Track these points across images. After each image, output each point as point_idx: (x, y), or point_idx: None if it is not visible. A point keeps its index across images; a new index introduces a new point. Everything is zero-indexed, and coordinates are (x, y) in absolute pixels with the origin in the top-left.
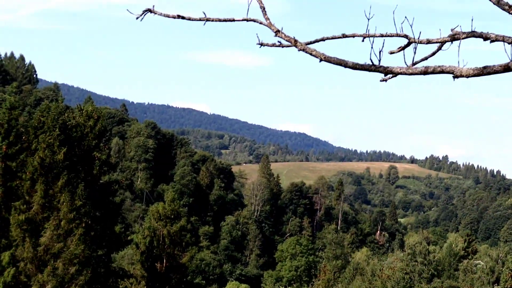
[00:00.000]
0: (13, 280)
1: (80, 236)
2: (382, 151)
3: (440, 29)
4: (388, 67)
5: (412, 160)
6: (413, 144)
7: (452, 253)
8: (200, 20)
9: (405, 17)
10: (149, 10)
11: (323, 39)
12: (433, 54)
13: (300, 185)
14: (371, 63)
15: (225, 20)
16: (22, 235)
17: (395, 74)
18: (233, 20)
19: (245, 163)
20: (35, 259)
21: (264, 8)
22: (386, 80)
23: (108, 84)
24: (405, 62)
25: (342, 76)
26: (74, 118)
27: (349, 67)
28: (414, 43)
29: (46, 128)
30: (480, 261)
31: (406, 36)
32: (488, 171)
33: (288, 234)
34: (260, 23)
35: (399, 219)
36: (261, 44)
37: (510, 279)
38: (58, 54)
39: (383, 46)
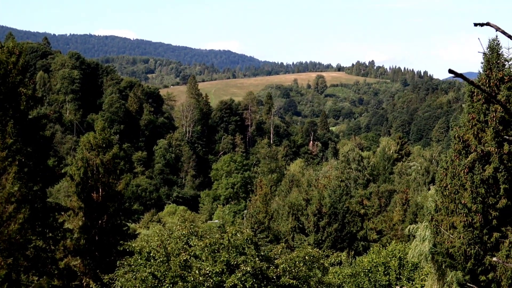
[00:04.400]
0: None
1: (15, 174)
2: (308, 62)
3: None
4: None
5: (339, 68)
6: (339, 52)
7: (385, 157)
8: None
9: None
10: None
11: None
12: None
13: (229, 102)
14: None
15: None
16: None
17: None
18: None
19: (173, 85)
20: None
21: None
22: None
23: (28, 19)
24: None
25: None
26: None
27: None
28: None
29: None
30: (414, 162)
31: None
32: (416, 72)
33: (221, 153)
34: None
35: (330, 128)
36: None
37: (445, 178)
38: None
39: None
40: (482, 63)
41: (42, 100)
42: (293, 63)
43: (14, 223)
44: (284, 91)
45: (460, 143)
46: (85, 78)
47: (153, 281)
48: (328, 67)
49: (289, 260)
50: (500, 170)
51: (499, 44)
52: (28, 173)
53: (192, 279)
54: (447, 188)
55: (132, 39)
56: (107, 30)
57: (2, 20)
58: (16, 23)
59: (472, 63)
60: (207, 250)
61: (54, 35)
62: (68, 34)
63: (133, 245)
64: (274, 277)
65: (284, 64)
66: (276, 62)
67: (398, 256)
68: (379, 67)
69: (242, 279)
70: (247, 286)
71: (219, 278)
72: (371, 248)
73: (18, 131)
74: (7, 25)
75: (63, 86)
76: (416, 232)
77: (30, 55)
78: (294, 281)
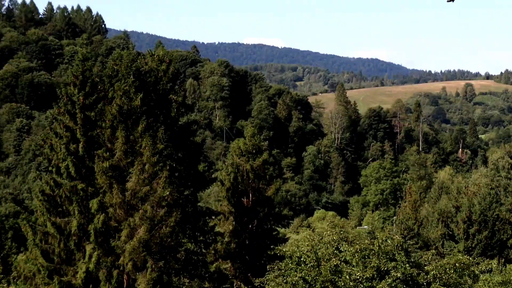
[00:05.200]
0: (104, 226)
1: (166, 179)
2: (456, 70)
3: None
4: None
5: (488, 76)
6: (487, 60)
7: None
8: None
9: None
10: None
11: None
12: None
13: (377, 110)
14: None
15: None
16: (109, 182)
17: None
18: None
19: (321, 93)
20: (124, 204)
21: None
22: (453, 0)
23: (177, 27)
24: None
25: None
26: (147, 63)
27: None
28: None
29: (120, 76)
30: None
31: None
32: None
33: (370, 159)
34: None
35: (479, 136)
36: None
37: None
38: (125, 2)
39: None
40: None
41: (192, 107)
42: (441, 71)
43: (166, 226)
44: (432, 99)
45: None
46: (234, 85)
47: (304, 285)
48: (476, 76)
49: (439, 267)
50: None
51: None
52: (179, 178)
53: (342, 284)
54: None
55: (280, 47)
56: (255, 38)
57: (152, 29)
58: (165, 31)
59: None
60: (357, 255)
61: (203, 43)
62: (216, 43)
63: (284, 249)
64: (424, 283)
65: (432, 72)
66: (424, 70)
67: None
68: None
69: (393, 285)
70: None
71: (370, 284)
72: None
73: (169, 137)
74: (156, 34)
75: (212, 93)
76: None
77: (179, 63)
78: None
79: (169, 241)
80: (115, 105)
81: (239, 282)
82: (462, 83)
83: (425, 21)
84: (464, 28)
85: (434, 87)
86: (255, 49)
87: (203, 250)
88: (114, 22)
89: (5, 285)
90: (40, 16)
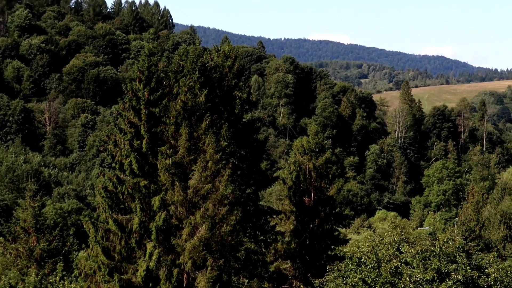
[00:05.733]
0: (165, 223)
1: (228, 177)
2: None
3: None
4: None
5: None
6: None
7: None
8: None
9: None
10: None
11: None
12: None
13: (442, 108)
14: None
15: None
16: (171, 179)
17: None
18: None
19: (386, 90)
20: (185, 201)
21: None
22: None
23: (243, 23)
24: None
25: None
26: (212, 59)
27: None
28: None
29: (185, 71)
30: None
31: None
32: None
33: (433, 159)
34: None
35: None
36: None
37: None
38: None
39: None
40: None
41: (256, 104)
42: (507, 69)
43: (227, 225)
44: (497, 98)
45: None
46: (298, 82)
47: (363, 286)
48: None
49: (501, 270)
50: None
51: None
52: (241, 176)
53: (402, 286)
54: None
55: (345, 44)
56: (321, 34)
57: (218, 24)
58: (232, 27)
59: None
60: (418, 257)
61: (269, 39)
62: (282, 39)
63: (344, 250)
64: (485, 286)
65: (499, 70)
66: (490, 68)
67: None
68: None
69: (453, 287)
70: None
71: (430, 286)
72: None
73: (232, 134)
74: (223, 29)
75: (277, 90)
76: None
77: (245, 59)
78: None
79: (229, 239)
80: (179, 101)
81: (298, 283)
82: None
83: (492, 19)
84: None
85: (499, 86)
86: (321, 46)
87: (263, 250)
88: (181, 17)
89: (66, 282)
90: (108, 10)
